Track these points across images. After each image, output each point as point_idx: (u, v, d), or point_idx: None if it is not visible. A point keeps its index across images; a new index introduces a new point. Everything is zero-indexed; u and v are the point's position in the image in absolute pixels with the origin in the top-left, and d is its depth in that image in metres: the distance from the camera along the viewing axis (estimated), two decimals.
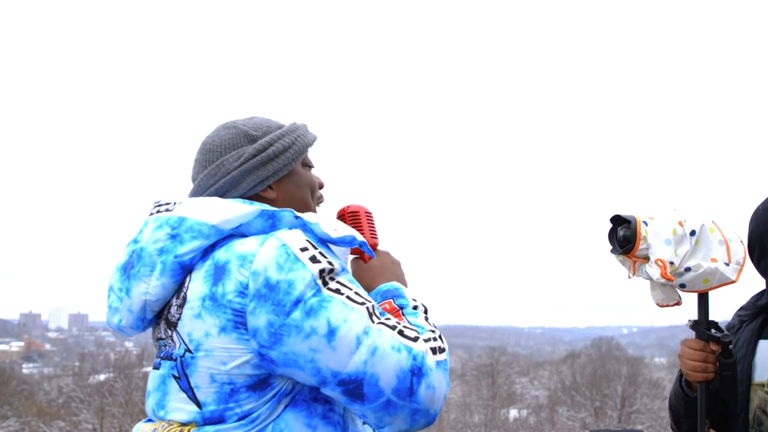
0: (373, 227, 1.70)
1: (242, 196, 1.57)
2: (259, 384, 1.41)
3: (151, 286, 1.48)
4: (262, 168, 1.57)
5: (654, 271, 1.87)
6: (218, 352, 1.40)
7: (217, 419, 1.41)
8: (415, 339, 1.40)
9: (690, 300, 2.00)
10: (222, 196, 1.56)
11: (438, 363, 1.40)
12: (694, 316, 2.01)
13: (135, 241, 1.53)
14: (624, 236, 1.92)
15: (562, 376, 48.16)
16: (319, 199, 1.70)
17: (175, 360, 1.46)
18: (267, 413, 1.41)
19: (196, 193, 1.60)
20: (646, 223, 1.91)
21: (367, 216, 1.70)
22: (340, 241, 1.47)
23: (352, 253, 1.68)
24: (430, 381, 1.37)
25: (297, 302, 1.36)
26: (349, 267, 1.68)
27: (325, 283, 1.39)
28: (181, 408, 1.45)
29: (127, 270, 1.52)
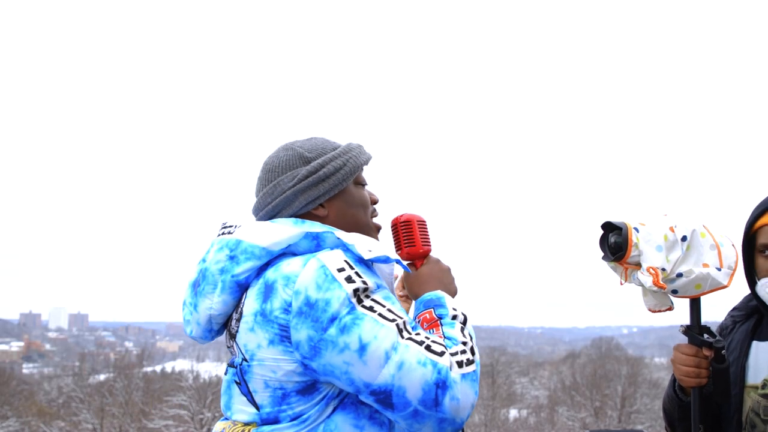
0: (426, 235, 1.80)
1: (295, 214, 1.73)
2: (308, 389, 1.57)
3: (214, 302, 1.67)
4: (314, 188, 1.72)
5: (646, 279, 1.86)
6: (269, 362, 1.58)
7: (273, 420, 1.59)
8: (441, 353, 1.51)
9: (684, 303, 1.99)
10: (277, 213, 1.73)
11: (464, 375, 1.51)
12: (687, 321, 2.00)
13: (203, 261, 1.71)
14: (615, 243, 1.91)
15: (562, 376, 48.19)
16: (373, 213, 1.83)
17: (236, 367, 1.66)
18: (317, 414, 1.57)
19: (256, 208, 1.78)
20: (637, 230, 1.89)
21: (419, 224, 1.80)
22: (376, 261, 1.61)
23: (405, 258, 1.80)
24: (455, 393, 1.49)
25: (333, 319, 1.51)
26: (399, 275, 1.85)
27: (359, 301, 1.53)
28: (242, 410, 1.65)
29: (196, 287, 1.71)
